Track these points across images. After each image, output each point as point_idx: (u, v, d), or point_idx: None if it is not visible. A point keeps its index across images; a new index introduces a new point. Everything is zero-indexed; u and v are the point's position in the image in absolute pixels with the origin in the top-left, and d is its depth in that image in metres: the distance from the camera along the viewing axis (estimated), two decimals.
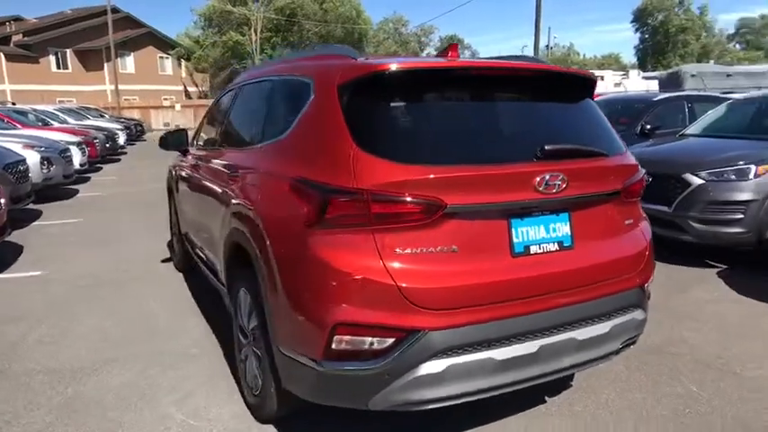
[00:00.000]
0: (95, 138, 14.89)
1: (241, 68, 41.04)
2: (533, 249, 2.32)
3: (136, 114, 34.02)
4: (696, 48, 54.71)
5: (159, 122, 36.26)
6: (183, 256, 5.23)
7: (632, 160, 2.71)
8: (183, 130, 4.90)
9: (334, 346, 2.14)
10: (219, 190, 3.36)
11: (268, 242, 2.43)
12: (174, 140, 4.65)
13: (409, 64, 2.36)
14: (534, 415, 2.90)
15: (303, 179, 2.29)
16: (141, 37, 42.77)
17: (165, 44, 45.13)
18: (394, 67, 2.25)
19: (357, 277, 2.09)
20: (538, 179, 2.26)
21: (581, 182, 2.40)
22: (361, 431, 2.80)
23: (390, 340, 2.11)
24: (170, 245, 6.10)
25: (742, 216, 5.08)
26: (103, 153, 15.90)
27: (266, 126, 3.04)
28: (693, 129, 6.84)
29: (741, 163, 5.21)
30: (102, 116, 23.98)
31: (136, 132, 26.07)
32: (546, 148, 2.32)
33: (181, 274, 5.44)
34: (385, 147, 2.17)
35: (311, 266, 2.18)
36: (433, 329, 2.11)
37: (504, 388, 2.30)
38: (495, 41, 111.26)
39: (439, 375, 2.13)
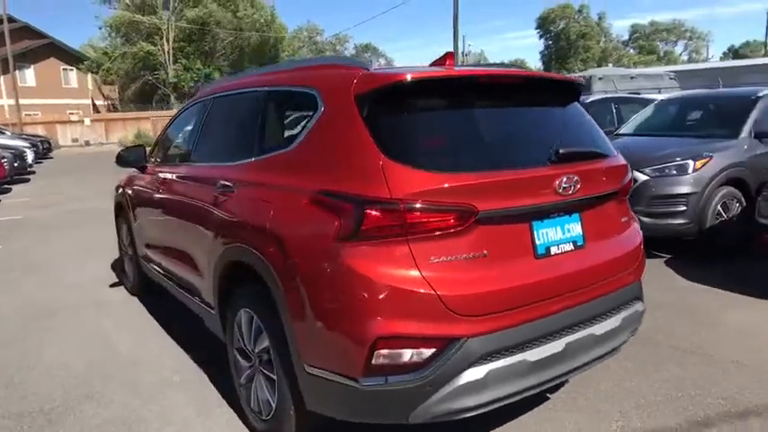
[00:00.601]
0: (3, 157, 13.79)
1: (153, 80, 39.51)
2: (553, 250, 2.38)
3: (40, 130, 31.67)
4: (597, 52, 58.30)
5: (67, 139, 34.03)
6: (140, 278, 4.93)
7: (624, 161, 2.86)
8: (141, 146, 4.63)
9: (374, 361, 2.08)
10: (204, 207, 3.18)
11: (288, 258, 2.33)
12: (133, 157, 4.38)
13: (430, 73, 2.35)
14: (541, 412, 2.97)
15: (330, 192, 2.21)
16: (42, 48, 39.84)
17: (68, 56, 42.32)
18: (415, 76, 2.23)
19: (395, 288, 2.05)
20: (557, 182, 2.32)
21: (590, 183, 2.49)
22: None
23: (431, 350, 2.09)
24: (120, 268, 5.72)
25: (684, 208, 5.47)
26: (12, 173, 14.72)
27: (260, 139, 2.92)
28: (627, 128, 7.28)
29: (679, 159, 5.61)
30: (2, 133, 22.23)
31: (43, 150, 24.39)
32: (560, 151, 2.39)
33: (136, 299, 5.12)
34: (413, 155, 2.16)
35: (345, 280, 2.11)
36: (472, 336, 2.11)
37: (537, 388, 2.34)
38: (410, 48, 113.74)
39: (480, 382, 2.13)
